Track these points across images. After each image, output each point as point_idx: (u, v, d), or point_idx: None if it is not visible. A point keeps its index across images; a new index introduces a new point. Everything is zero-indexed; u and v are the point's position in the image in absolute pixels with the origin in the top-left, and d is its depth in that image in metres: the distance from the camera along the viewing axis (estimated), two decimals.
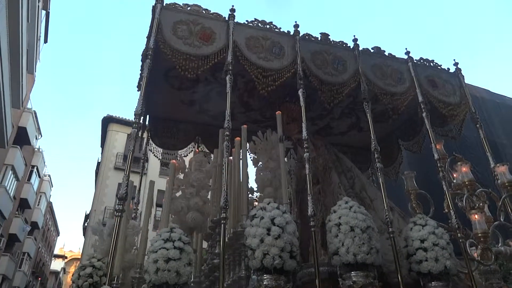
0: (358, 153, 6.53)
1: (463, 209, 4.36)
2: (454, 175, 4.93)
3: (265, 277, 2.55)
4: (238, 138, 3.97)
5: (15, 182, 22.54)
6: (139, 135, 5.51)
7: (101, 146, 24.38)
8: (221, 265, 2.69)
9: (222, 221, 2.88)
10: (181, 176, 3.53)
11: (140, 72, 4.19)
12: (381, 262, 2.92)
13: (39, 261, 31.94)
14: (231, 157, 4.06)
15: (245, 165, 3.35)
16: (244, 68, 4.09)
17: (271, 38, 4.33)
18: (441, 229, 3.33)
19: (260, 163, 3.91)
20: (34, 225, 28.04)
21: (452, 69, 5.26)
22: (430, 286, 3.08)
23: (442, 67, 5.19)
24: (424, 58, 5.11)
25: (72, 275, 2.75)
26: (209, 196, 3.59)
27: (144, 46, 4.09)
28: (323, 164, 4.76)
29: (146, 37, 4.13)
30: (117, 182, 20.44)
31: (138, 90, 4.50)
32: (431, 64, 5.12)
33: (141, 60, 4.07)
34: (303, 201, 4.74)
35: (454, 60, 5.27)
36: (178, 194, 3.46)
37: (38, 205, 28.46)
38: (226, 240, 3.47)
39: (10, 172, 21.24)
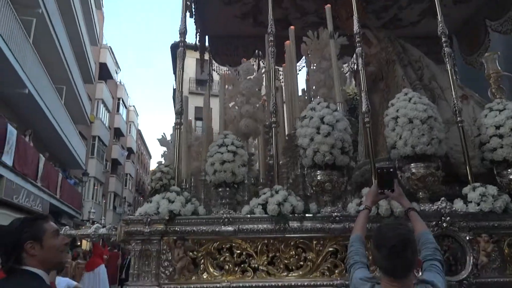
0: (435, 43, 5.81)
1: None
2: None
3: (318, 173, 2.59)
4: (288, 42, 3.79)
5: (107, 114, 25.27)
6: (202, 57, 5.69)
7: (173, 73, 25.41)
8: (275, 166, 2.80)
9: (272, 125, 2.92)
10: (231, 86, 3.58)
11: None
12: (444, 152, 2.74)
13: (139, 180, 36.96)
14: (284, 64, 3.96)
15: (294, 68, 3.22)
16: None
17: None
18: None
19: (313, 64, 3.74)
20: (130, 150, 31.96)
21: None
22: (504, 174, 2.85)
23: None
24: None
25: (147, 180, 3.15)
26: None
27: None
28: (386, 58, 4.37)
29: None
30: (193, 105, 21.61)
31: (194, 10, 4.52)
32: None
33: None
34: (369, 99, 4.53)
35: None
36: (231, 104, 3.55)
37: (129, 133, 31.99)
38: (284, 143, 3.59)
39: (102, 105, 23.75)
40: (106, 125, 24.73)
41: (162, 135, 4.06)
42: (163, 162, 3.25)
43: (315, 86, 3.60)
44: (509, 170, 2.83)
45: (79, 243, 14.76)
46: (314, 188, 2.62)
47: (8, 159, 9.41)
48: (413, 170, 2.68)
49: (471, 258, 2.44)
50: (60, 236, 1.76)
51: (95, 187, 22.52)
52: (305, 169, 2.77)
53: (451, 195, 2.86)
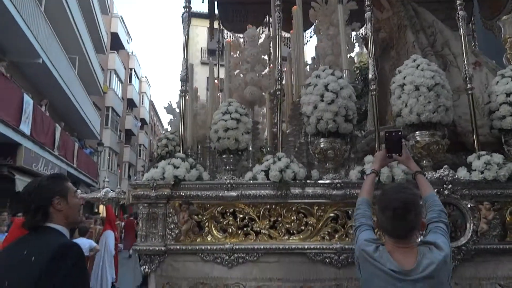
0: (452, 7, 5.58)
1: None
2: None
3: (321, 141, 2.60)
4: (295, 7, 3.69)
5: (120, 84, 25.38)
6: (212, 24, 5.60)
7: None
8: (279, 134, 2.82)
9: (277, 93, 2.91)
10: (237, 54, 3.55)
11: None
12: (450, 120, 2.69)
13: (153, 151, 37.53)
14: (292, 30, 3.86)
15: (301, 34, 3.15)
16: None
17: None
18: None
19: (321, 31, 3.65)
20: (143, 121, 32.29)
21: None
22: None
23: None
24: None
25: (153, 147, 3.22)
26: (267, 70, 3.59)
27: None
28: (398, 23, 4.21)
29: None
30: (205, 76, 21.43)
31: None
32: None
33: None
34: (380, 68, 4.41)
35: None
36: (236, 72, 3.53)
37: (142, 104, 32.18)
38: (290, 111, 3.58)
39: (114, 76, 23.82)
40: (119, 95, 24.90)
41: (168, 103, 4.10)
42: (169, 130, 3.32)
43: (322, 53, 3.54)
44: None
45: (96, 210, 15.33)
46: (317, 155, 2.64)
47: (25, 128, 9.67)
48: (418, 138, 2.66)
49: (471, 225, 2.46)
50: (78, 195, 1.87)
51: (110, 157, 23.04)
52: (309, 136, 2.78)
53: (458, 164, 2.84)
